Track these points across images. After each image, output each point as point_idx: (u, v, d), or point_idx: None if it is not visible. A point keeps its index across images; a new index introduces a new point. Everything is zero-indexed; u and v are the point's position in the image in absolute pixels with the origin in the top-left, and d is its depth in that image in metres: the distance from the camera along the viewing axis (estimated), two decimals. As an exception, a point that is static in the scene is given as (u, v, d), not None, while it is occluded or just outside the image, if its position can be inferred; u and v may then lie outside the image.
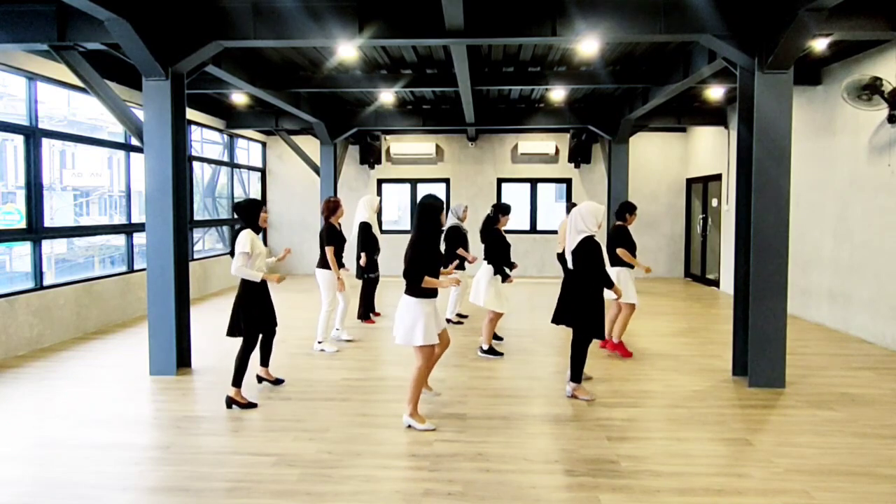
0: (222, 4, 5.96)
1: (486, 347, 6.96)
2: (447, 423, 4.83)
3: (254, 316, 5.22)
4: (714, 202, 12.80)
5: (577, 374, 5.45)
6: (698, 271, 13.62)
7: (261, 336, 5.47)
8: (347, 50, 7.38)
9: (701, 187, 13.51)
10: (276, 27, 5.98)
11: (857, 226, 7.97)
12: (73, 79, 7.21)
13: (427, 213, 4.61)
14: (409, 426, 4.73)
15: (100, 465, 4.08)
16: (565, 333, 8.10)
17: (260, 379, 5.81)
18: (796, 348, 7.07)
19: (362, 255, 8.20)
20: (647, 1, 5.76)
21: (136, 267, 9.29)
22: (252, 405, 5.24)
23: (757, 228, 5.70)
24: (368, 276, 8.46)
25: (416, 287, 4.53)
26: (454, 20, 5.60)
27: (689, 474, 3.93)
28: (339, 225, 7.30)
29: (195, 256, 11.42)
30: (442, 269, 4.79)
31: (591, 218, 5.33)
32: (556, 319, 5.55)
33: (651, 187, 14.20)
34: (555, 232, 14.31)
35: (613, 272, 6.84)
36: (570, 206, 10.03)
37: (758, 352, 5.73)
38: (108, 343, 7.58)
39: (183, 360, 6.31)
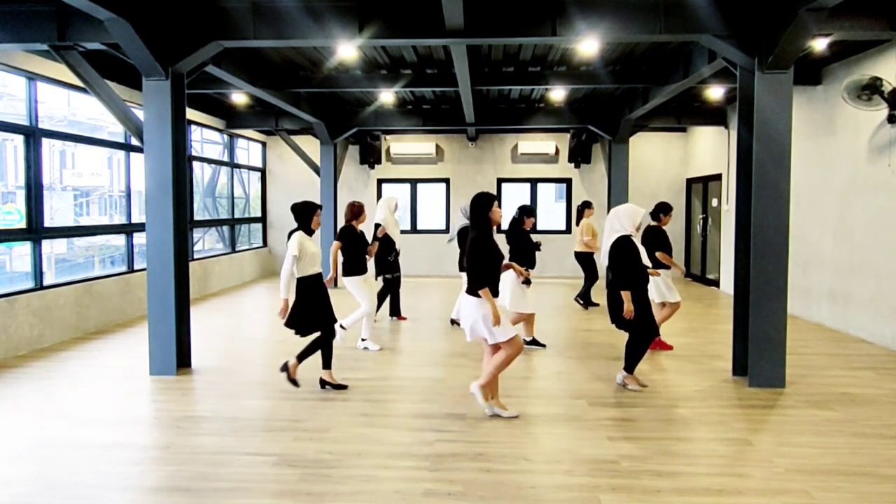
0: (222, 4, 5.96)
1: (528, 339, 7.13)
2: (447, 423, 4.83)
3: (317, 310, 5.47)
4: (714, 202, 12.80)
5: (630, 365, 5.64)
6: (698, 271, 13.62)
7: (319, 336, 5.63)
8: (347, 50, 7.38)
9: (701, 187, 13.51)
10: (276, 27, 5.97)
11: (857, 226, 7.97)
12: (73, 79, 7.20)
13: (475, 210, 4.71)
14: (473, 394, 4.87)
15: (100, 465, 4.08)
16: (565, 333, 8.12)
17: (323, 383, 5.71)
18: (796, 348, 7.07)
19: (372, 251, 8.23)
20: (647, 1, 5.76)
21: (136, 267, 9.29)
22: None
23: (757, 228, 5.70)
24: (386, 276, 8.47)
25: (478, 287, 4.62)
26: (454, 20, 5.60)
27: (689, 474, 3.93)
28: (362, 232, 7.24)
29: (195, 256, 11.42)
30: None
31: (626, 219, 5.46)
32: (614, 321, 5.61)
33: (651, 187, 14.19)
34: (556, 232, 14.33)
35: None
36: (584, 204, 10.02)
37: (758, 352, 5.72)
38: (108, 343, 7.58)
39: (183, 360, 6.31)
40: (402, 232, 14.28)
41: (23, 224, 7.27)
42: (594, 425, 4.79)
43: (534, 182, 14.46)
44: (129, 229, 9.28)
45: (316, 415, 5.02)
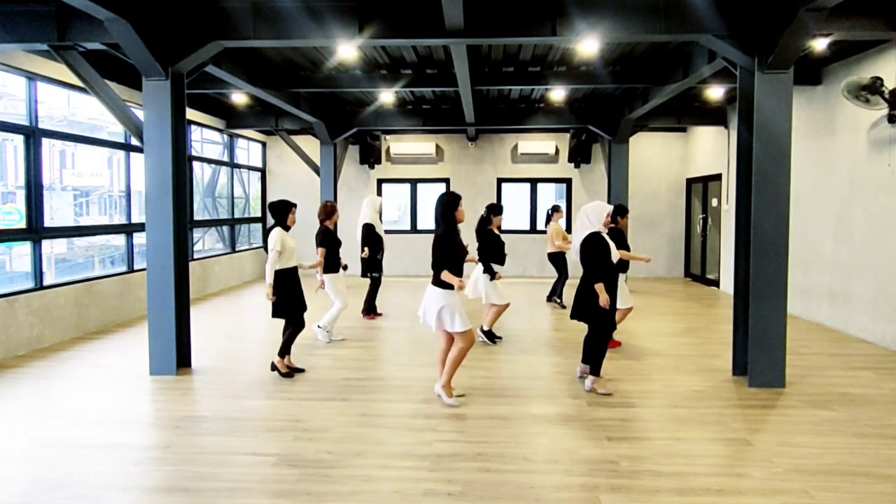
0: (222, 4, 5.96)
1: (486, 328, 7.32)
2: (447, 423, 4.83)
3: (292, 300, 5.98)
4: (714, 202, 12.80)
5: (596, 368, 5.62)
6: (698, 271, 13.62)
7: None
8: (347, 50, 7.38)
9: (701, 187, 13.50)
10: (276, 27, 5.97)
11: (857, 226, 7.97)
12: (73, 79, 7.21)
13: (442, 209, 5.04)
14: (438, 395, 5.24)
15: (100, 465, 4.08)
16: (564, 333, 8.11)
17: (274, 367, 6.14)
18: (796, 348, 7.07)
19: (366, 248, 8.55)
20: (647, 1, 5.76)
21: (136, 267, 9.29)
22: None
23: (757, 228, 5.70)
24: (372, 275, 8.76)
25: (440, 277, 4.96)
26: (454, 20, 5.60)
27: (689, 474, 3.93)
28: (335, 227, 7.47)
29: (195, 256, 11.42)
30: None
31: (594, 215, 5.56)
32: (574, 315, 5.70)
33: (651, 187, 14.19)
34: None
35: None
36: (553, 208, 10.26)
37: (758, 352, 5.72)
38: (108, 343, 7.58)
39: (183, 360, 6.31)
40: (401, 232, 14.47)
41: (23, 224, 7.27)
42: (594, 425, 4.79)
43: (534, 182, 14.45)
44: (129, 229, 9.28)
45: (315, 415, 5.02)
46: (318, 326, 7.47)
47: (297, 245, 7.14)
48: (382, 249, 8.77)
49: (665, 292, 12.00)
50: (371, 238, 8.62)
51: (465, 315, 5.04)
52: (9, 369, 6.36)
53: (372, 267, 8.70)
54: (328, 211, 7.32)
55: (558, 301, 10.21)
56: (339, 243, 7.43)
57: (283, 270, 5.95)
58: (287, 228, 5.99)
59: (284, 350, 6.09)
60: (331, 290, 7.32)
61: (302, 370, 6.25)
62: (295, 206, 6.07)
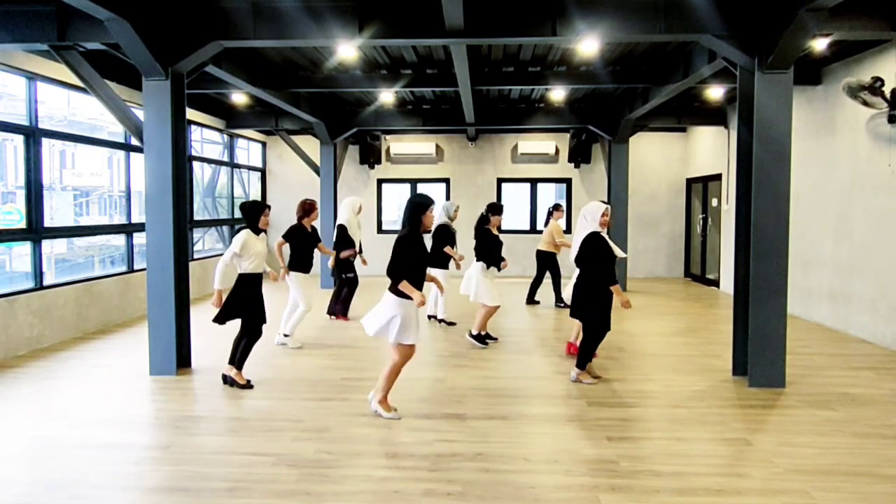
0: (222, 4, 5.96)
1: (474, 332, 7.18)
2: (447, 423, 4.83)
3: (249, 306, 5.62)
4: (714, 202, 12.80)
5: (581, 362, 5.77)
6: (698, 271, 13.62)
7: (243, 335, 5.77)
8: (347, 50, 7.38)
9: (701, 187, 13.50)
10: (276, 27, 5.97)
11: (857, 226, 7.97)
12: (73, 79, 7.20)
13: (410, 211, 4.73)
14: (376, 412, 4.91)
15: (100, 465, 4.08)
16: (564, 334, 8.11)
17: (226, 379, 5.78)
18: (796, 348, 7.07)
19: (331, 256, 8.51)
20: (647, 1, 5.76)
21: (136, 267, 9.29)
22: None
23: (757, 228, 5.70)
24: (346, 276, 8.75)
25: (397, 285, 4.61)
26: (454, 20, 5.60)
27: (689, 474, 3.93)
28: (312, 227, 7.43)
29: (195, 256, 11.42)
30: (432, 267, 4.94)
31: (590, 214, 5.67)
32: (573, 313, 5.85)
33: (651, 187, 14.19)
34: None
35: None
36: (554, 206, 10.26)
37: (758, 352, 5.72)
38: (108, 343, 7.58)
39: (183, 360, 6.31)
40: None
41: (23, 224, 7.27)
42: (594, 425, 4.79)
43: (534, 182, 14.45)
44: (129, 229, 9.28)
45: (315, 415, 5.02)
46: (285, 335, 7.23)
47: (282, 250, 7.16)
48: (354, 252, 8.62)
49: (665, 292, 12.00)
50: (342, 240, 8.56)
51: (409, 330, 4.63)
52: (9, 369, 6.36)
53: (343, 268, 8.64)
54: (306, 209, 7.32)
55: (562, 304, 9.94)
56: (311, 242, 7.33)
57: (245, 275, 5.59)
58: (258, 231, 5.67)
59: (241, 362, 5.73)
60: (297, 291, 7.16)
61: (251, 386, 5.73)
62: (268, 207, 5.79)
